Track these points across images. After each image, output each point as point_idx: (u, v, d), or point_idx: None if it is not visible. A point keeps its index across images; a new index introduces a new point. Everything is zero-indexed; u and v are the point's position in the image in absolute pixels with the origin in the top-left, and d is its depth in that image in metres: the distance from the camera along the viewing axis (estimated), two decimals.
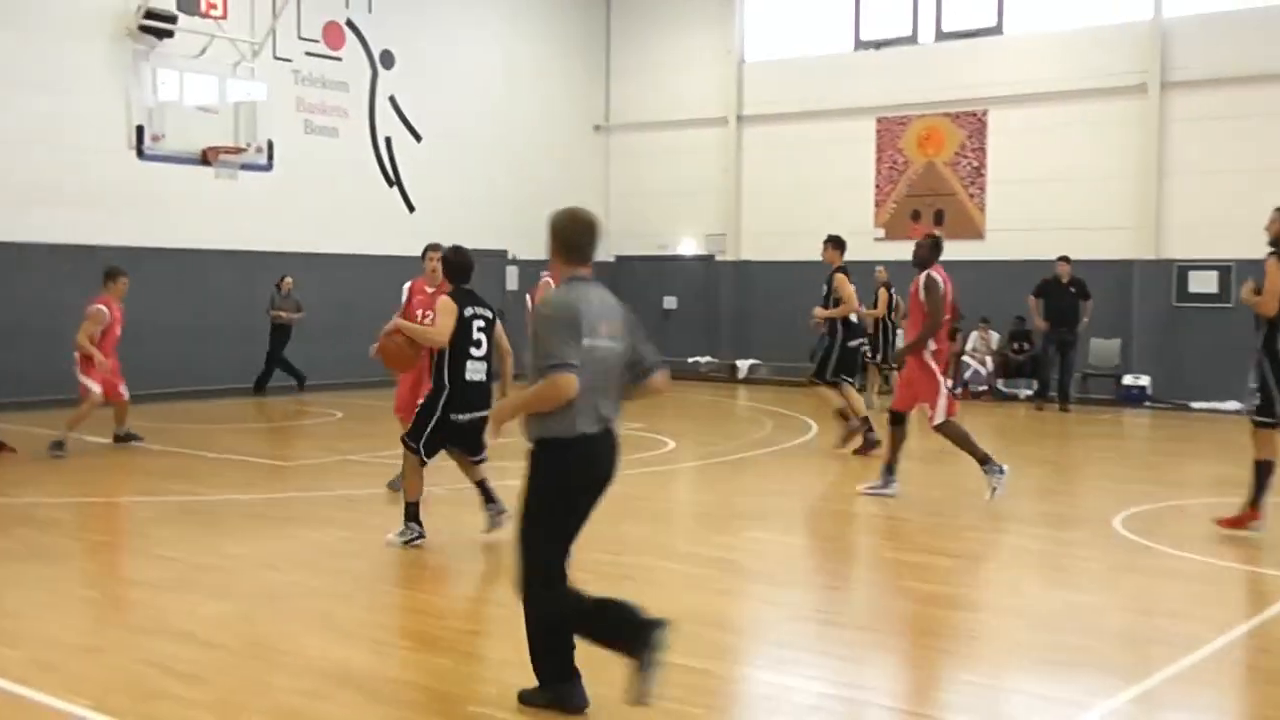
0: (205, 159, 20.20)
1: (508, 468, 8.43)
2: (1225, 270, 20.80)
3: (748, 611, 8.02)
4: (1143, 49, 21.62)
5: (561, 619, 5.68)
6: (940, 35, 23.87)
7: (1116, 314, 21.53)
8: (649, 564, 8.99)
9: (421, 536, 9.24)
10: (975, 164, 23.35)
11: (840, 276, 14.86)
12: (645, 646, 5.44)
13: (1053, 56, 22.52)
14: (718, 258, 26.57)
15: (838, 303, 14.80)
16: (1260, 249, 9.72)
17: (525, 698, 5.75)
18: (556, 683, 5.69)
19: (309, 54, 22.40)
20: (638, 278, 27.46)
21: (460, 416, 9.04)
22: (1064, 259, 20.52)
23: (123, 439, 14.74)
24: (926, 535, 10.20)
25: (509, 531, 10.36)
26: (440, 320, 9.11)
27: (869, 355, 18.58)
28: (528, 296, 16.65)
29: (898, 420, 11.79)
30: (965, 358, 22.37)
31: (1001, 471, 11.24)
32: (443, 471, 10.22)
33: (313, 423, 17.67)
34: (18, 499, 11.19)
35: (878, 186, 24.41)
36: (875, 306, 19.26)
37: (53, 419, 16.20)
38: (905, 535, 10.27)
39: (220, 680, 6.17)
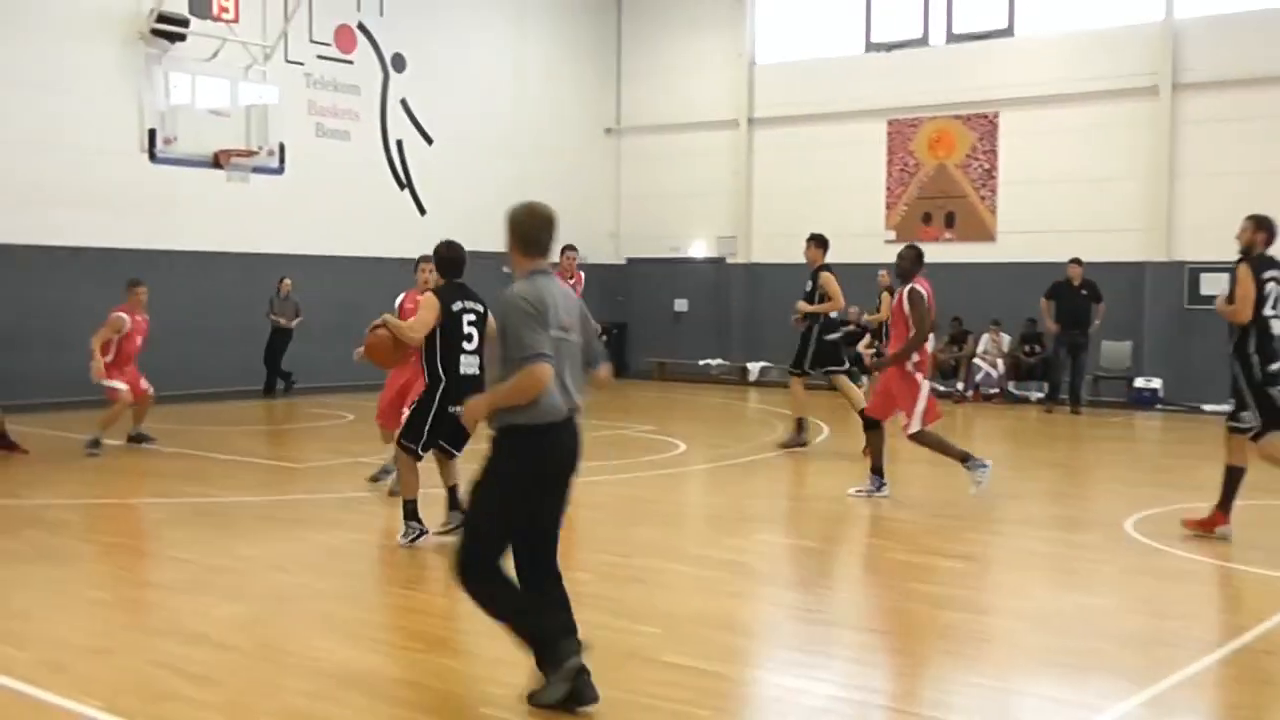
0: (217, 162, 20.24)
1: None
2: (1235, 272, 20.70)
3: (758, 614, 8.01)
4: (1154, 51, 21.58)
5: (490, 603, 5.76)
6: (951, 37, 23.85)
7: (1128, 316, 21.48)
8: (659, 566, 8.99)
9: (424, 533, 9.26)
10: (986, 166, 23.32)
11: (827, 275, 15.05)
12: (558, 661, 5.61)
13: (1064, 58, 22.49)
14: (729, 260, 26.56)
15: (823, 299, 14.94)
16: (1274, 251, 9.72)
17: (534, 698, 5.75)
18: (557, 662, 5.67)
19: (320, 57, 22.46)
20: (649, 280, 27.50)
21: (456, 408, 9.06)
22: (1075, 261, 20.47)
23: (135, 439, 14.78)
24: (937, 538, 10.18)
25: None
26: (420, 315, 9.13)
27: (873, 358, 18.61)
28: None
29: (872, 425, 11.80)
30: (976, 360, 22.34)
31: (984, 466, 11.31)
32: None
33: (323, 425, 17.69)
34: (28, 500, 11.23)
35: (889, 189, 24.39)
36: (879, 310, 19.25)
37: (62, 420, 16.29)
38: (915, 538, 10.25)
39: (230, 682, 6.18)
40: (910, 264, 11.78)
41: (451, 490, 9.53)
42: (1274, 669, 6.84)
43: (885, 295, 19.64)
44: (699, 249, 27.04)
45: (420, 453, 9.31)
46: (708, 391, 23.70)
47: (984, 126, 23.33)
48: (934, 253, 23.17)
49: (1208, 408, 20.11)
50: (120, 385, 14.35)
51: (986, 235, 23.34)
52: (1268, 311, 9.59)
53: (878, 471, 11.73)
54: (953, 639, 7.21)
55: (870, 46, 24.71)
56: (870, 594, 8.72)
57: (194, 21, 20.03)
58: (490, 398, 5.72)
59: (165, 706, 5.80)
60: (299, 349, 21.13)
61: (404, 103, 23.86)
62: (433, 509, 9.65)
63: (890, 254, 22.61)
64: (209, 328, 20.34)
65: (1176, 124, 21.47)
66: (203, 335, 20.16)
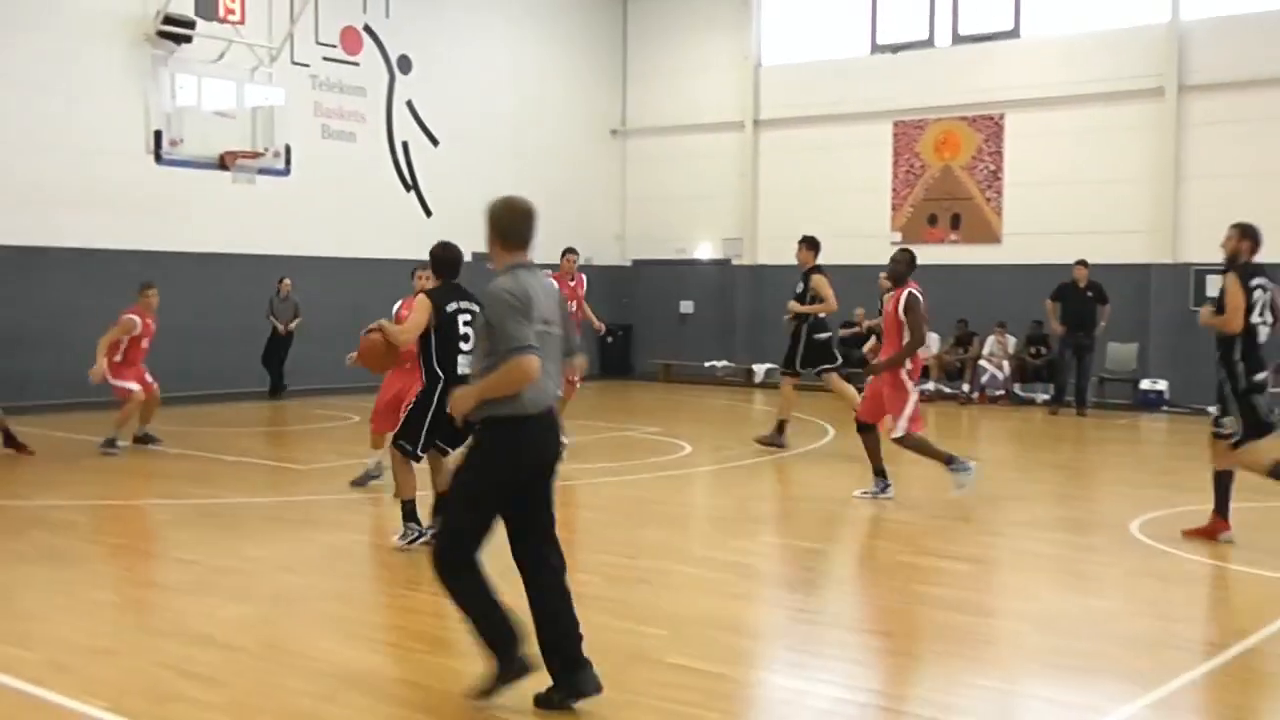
0: (223, 164, 20.24)
1: None
2: None
3: (763, 616, 8.01)
4: (1159, 52, 21.56)
5: (460, 597, 5.84)
6: (957, 39, 23.84)
7: (1134, 318, 21.46)
8: (664, 568, 8.99)
9: (422, 534, 9.23)
10: (992, 167, 23.31)
11: (819, 277, 15.16)
12: (510, 672, 5.74)
13: (1070, 60, 22.47)
14: (734, 262, 26.56)
15: (814, 301, 15.08)
16: (1277, 253, 9.72)
17: (540, 700, 5.76)
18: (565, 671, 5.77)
19: (326, 59, 22.48)
20: (654, 282, 27.51)
21: None
22: (1081, 263, 20.45)
23: (141, 439, 14.81)
24: (942, 540, 10.17)
25: None
26: (411, 317, 9.11)
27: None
28: None
29: (865, 429, 11.81)
30: (982, 362, 22.33)
31: (968, 469, 11.36)
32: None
33: (328, 426, 17.70)
34: (34, 501, 11.24)
35: (894, 190, 24.38)
36: (880, 314, 19.24)
37: (67, 422, 16.31)
38: (920, 540, 10.24)
39: (235, 682, 6.18)
40: (905, 267, 11.81)
41: (441, 497, 9.48)
42: (1279, 672, 6.84)
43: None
44: (704, 251, 27.04)
45: (419, 454, 9.28)
46: (713, 393, 23.71)
47: (990, 128, 23.32)
48: (940, 254, 23.44)
49: (1212, 409, 20.07)
50: (132, 385, 14.43)
51: (992, 237, 23.33)
52: (1254, 319, 9.61)
53: (880, 473, 11.74)
54: (957, 641, 7.21)
55: (876, 48, 24.71)
56: (875, 596, 8.71)
57: (200, 23, 20.04)
58: (478, 389, 5.74)
59: (170, 707, 5.81)
60: (305, 350, 21.13)
61: (410, 104, 23.88)
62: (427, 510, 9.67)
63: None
64: (214, 329, 20.36)
65: (1182, 126, 21.45)
66: (208, 337, 20.17)
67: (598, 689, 5.74)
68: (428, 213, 23.84)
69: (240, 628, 7.15)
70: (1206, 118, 21.25)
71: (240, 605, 7.67)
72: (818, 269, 15.22)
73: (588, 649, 5.79)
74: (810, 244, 15.41)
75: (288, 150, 21.12)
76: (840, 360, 15.52)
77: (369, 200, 22.95)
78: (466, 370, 9.11)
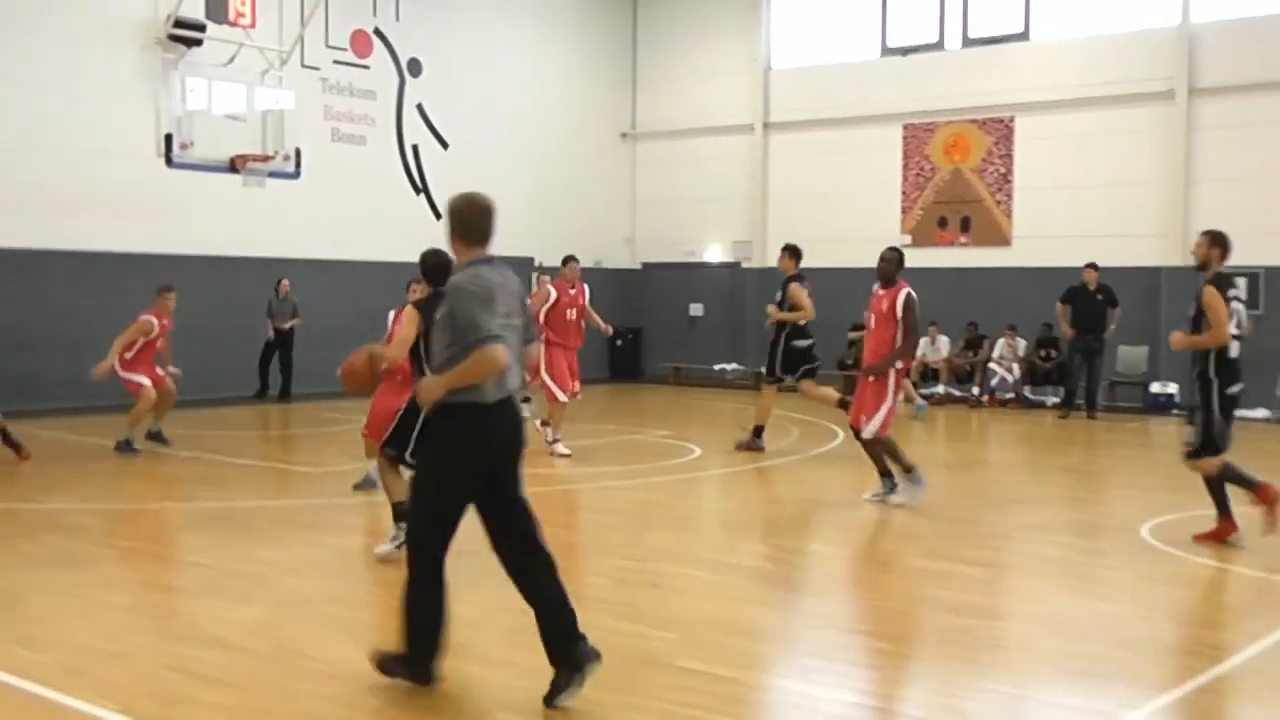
0: (233, 167, 20.28)
1: None
2: (1254, 277, 20.66)
3: (773, 620, 8.00)
4: (1170, 55, 21.54)
5: (410, 598, 6.01)
6: (967, 42, 23.83)
7: (1144, 321, 21.42)
8: (674, 571, 8.99)
9: None
10: (1002, 170, 23.29)
11: (795, 286, 15.16)
12: (416, 676, 6.04)
13: (1080, 63, 22.46)
14: (744, 265, 26.56)
15: (792, 309, 15.14)
16: None
17: (549, 697, 5.82)
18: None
19: (337, 62, 22.53)
20: (664, 285, 27.52)
21: None
22: (1091, 266, 20.43)
23: (153, 437, 14.86)
24: (952, 544, 10.16)
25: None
26: (400, 333, 8.87)
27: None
28: (527, 300, 16.64)
29: (877, 442, 11.78)
30: (992, 364, 22.30)
31: (921, 484, 11.48)
32: None
33: (338, 429, 17.71)
34: (45, 505, 11.26)
35: (904, 193, 24.37)
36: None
37: (78, 425, 16.34)
38: (931, 543, 10.23)
39: (246, 686, 6.20)
40: (895, 266, 11.79)
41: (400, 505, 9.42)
42: None
43: None
44: (714, 254, 27.04)
45: (406, 459, 9.13)
46: (723, 396, 23.70)
47: (1000, 131, 23.30)
48: (950, 257, 23.45)
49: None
50: (142, 379, 14.46)
51: (1002, 240, 23.31)
52: (1232, 331, 9.65)
53: (886, 474, 11.72)
54: (968, 645, 7.20)
55: (886, 51, 24.70)
56: (885, 600, 8.70)
57: (211, 26, 20.11)
58: (447, 378, 5.81)
59: (181, 710, 5.83)
60: (315, 353, 21.07)
61: (420, 108, 23.92)
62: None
63: (906, 259, 22.74)
64: (225, 332, 20.38)
65: (1192, 129, 21.42)
66: (219, 340, 20.18)
67: (597, 657, 5.83)
68: (437, 216, 23.80)
69: (251, 631, 7.17)
70: (1217, 121, 21.23)
71: (251, 608, 7.69)
72: (797, 277, 15.23)
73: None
74: (792, 252, 15.45)
75: (298, 153, 21.16)
76: (817, 365, 15.53)
77: (379, 203, 22.98)
78: None
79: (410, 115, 23.81)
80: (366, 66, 23.05)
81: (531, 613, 5.92)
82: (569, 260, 15.37)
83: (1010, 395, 22.16)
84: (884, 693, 6.44)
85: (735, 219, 26.54)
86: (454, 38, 24.34)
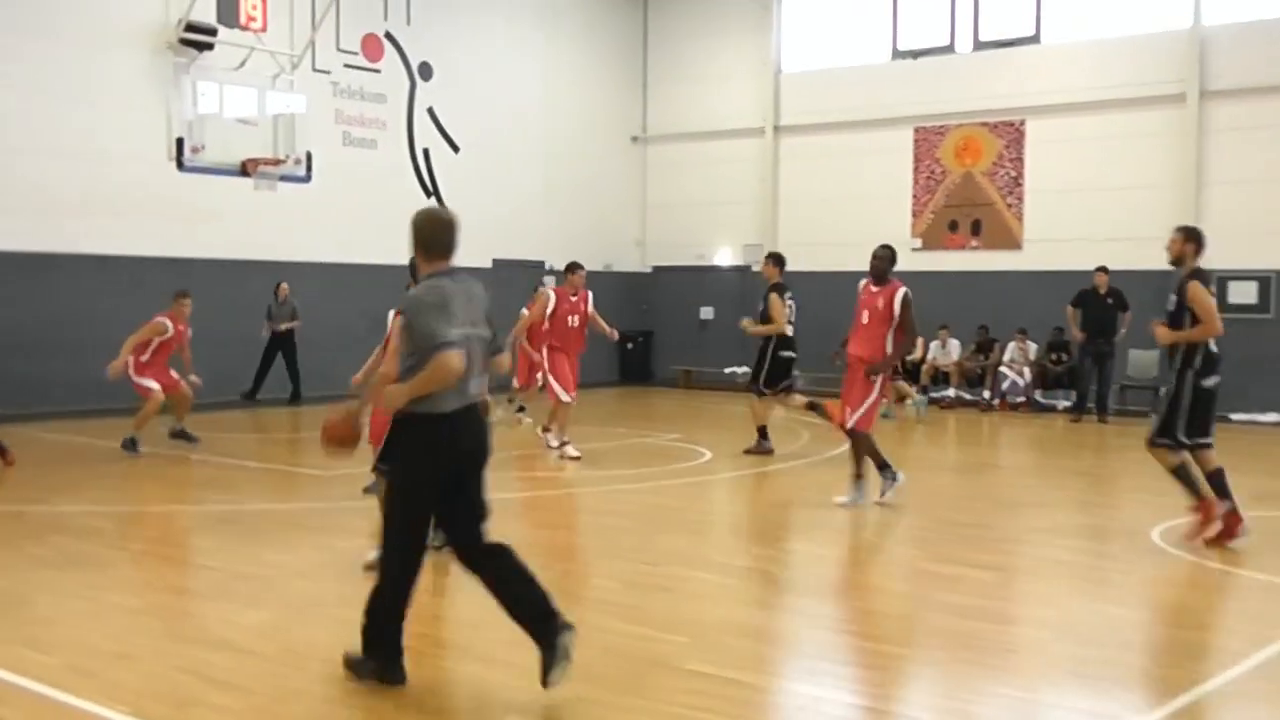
0: (244, 170, 20.31)
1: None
2: (1265, 280, 20.65)
3: (783, 623, 8.00)
4: (1181, 58, 21.49)
5: (377, 607, 6.14)
6: (978, 45, 23.81)
7: None
8: (683, 574, 8.98)
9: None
10: (1013, 174, 23.26)
11: (773, 296, 15.15)
12: (382, 671, 6.13)
13: (1091, 66, 22.42)
14: (754, 268, 26.48)
15: (765, 320, 15.17)
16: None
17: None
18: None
19: (348, 66, 22.57)
20: (674, 288, 27.52)
21: None
22: (1102, 269, 20.40)
23: (177, 435, 14.93)
24: (963, 547, 10.14)
25: (539, 547, 10.38)
26: (394, 341, 8.80)
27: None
28: (524, 310, 16.73)
29: (856, 435, 11.75)
30: (1003, 368, 22.26)
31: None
32: None
33: None
34: (55, 507, 11.28)
35: (915, 196, 24.35)
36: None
37: (87, 427, 16.37)
38: (940, 547, 10.21)
39: (255, 688, 6.20)
40: (888, 264, 11.76)
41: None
42: None
43: None
44: (725, 257, 27.04)
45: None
46: (733, 400, 23.65)
47: (1011, 134, 23.27)
48: (960, 261, 23.43)
49: (1235, 417, 19.99)
50: (152, 383, 14.50)
51: (1013, 243, 23.28)
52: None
53: (884, 467, 11.70)
54: (978, 649, 7.18)
55: (896, 54, 24.69)
56: (895, 603, 8.69)
57: (222, 31, 20.16)
58: (409, 387, 5.93)
59: (190, 712, 5.83)
60: (326, 356, 21.08)
61: (431, 111, 23.94)
62: None
63: (917, 262, 22.85)
64: (236, 336, 20.38)
65: (1204, 131, 21.38)
66: (230, 343, 20.18)
67: (568, 627, 5.93)
68: None
69: (260, 633, 7.18)
70: (1228, 123, 21.18)
71: (260, 611, 7.69)
72: (777, 287, 15.19)
73: (606, 655, 5.82)
74: (776, 260, 15.50)
75: (309, 157, 21.19)
76: (794, 380, 15.56)
77: (390, 207, 22.89)
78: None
79: (421, 119, 23.83)
80: (377, 70, 23.08)
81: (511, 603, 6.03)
82: (574, 268, 15.33)
83: (1021, 399, 22.12)
84: (893, 696, 6.42)
85: (746, 222, 26.53)
86: (465, 41, 24.36)
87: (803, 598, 8.67)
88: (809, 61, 25.86)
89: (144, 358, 14.53)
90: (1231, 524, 9.73)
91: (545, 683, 5.86)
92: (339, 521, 10.89)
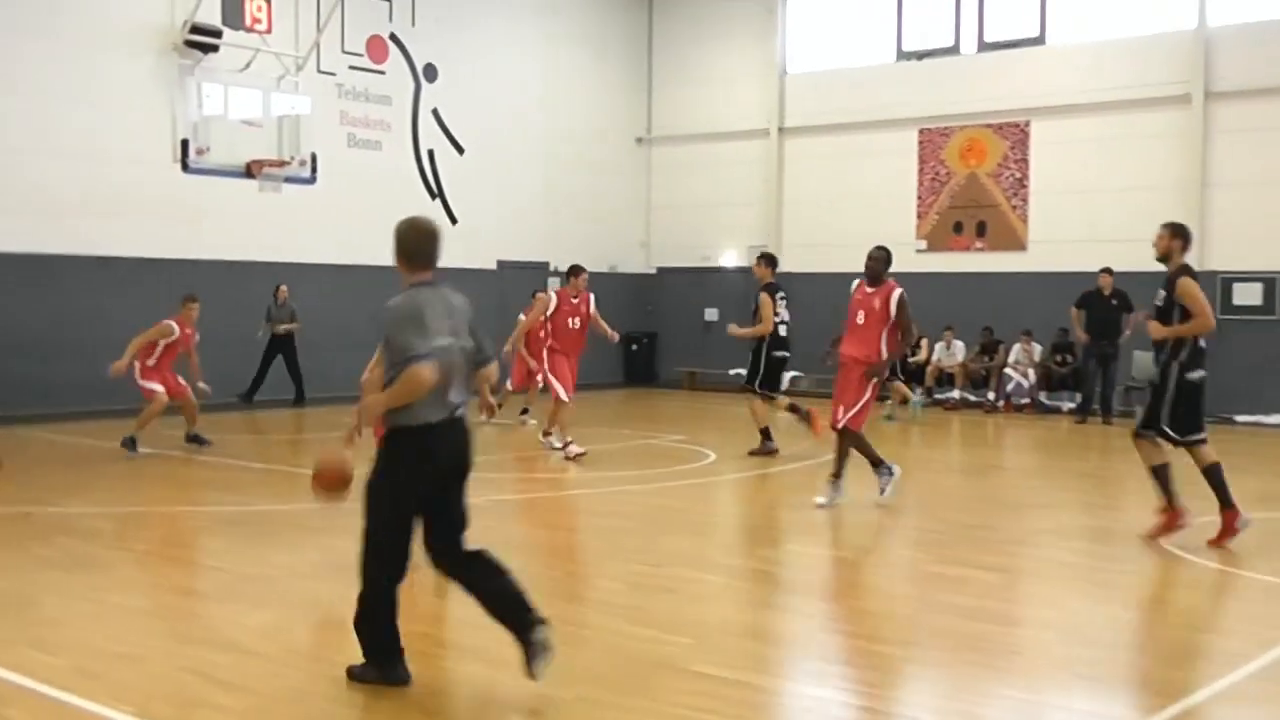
0: (249, 172, 20.36)
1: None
2: (1270, 282, 20.62)
3: (787, 624, 7.99)
4: (1186, 59, 21.48)
5: (371, 600, 6.13)
6: (983, 46, 23.80)
7: None
8: (688, 576, 8.98)
9: None
10: (1018, 175, 23.25)
11: (764, 296, 15.19)
12: (385, 673, 6.13)
13: (1096, 67, 22.41)
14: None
15: (756, 321, 15.23)
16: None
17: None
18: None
19: (352, 68, 22.58)
20: (679, 289, 27.52)
21: None
22: (1106, 271, 20.37)
23: (192, 439, 14.99)
24: (967, 549, 10.14)
25: (543, 549, 10.39)
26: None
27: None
28: (521, 315, 16.71)
29: (845, 433, 11.73)
30: (1007, 370, 22.24)
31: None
32: (481, 483, 10.23)
33: None
34: (61, 508, 11.29)
35: (920, 198, 24.35)
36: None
37: (94, 429, 16.37)
38: (945, 548, 10.21)
39: (261, 689, 6.21)
40: (884, 265, 11.79)
41: None
42: None
43: None
44: (729, 258, 27.03)
45: None
46: (738, 401, 23.60)
47: (1015, 135, 23.26)
48: (965, 262, 23.41)
49: (1240, 419, 19.99)
50: (156, 386, 14.53)
51: (1018, 244, 23.26)
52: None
53: (878, 463, 11.71)
54: (983, 650, 7.18)
55: (901, 55, 24.69)
56: (900, 604, 8.68)
57: (227, 32, 20.18)
58: (385, 398, 5.95)
59: (196, 713, 5.84)
60: (331, 357, 21.12)
61: (435, 113, 23.96)
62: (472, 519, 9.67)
63: (921, 263, 22.85)
64: (240, 337, 20.39)
65: (1208, 133, 21.36)
66: (234, 344, 20.19)
67: (541, 621, 5.96)
68: (453, 220, 23.86)
69: (265, 634, 7.18)
70: (1233, 125, 21.16)
71: (265, 612, 7.70)
72: (768, 287, 15.23)
73: (610, 656, 5.82)
74: (768, 260, 15.52)
75: (314, 159, 21.23)
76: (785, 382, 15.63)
77: (395, 208, 22.50)
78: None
79: (426, 120, 23.84)
80: (382, 72, 23.09)
81: (545, 615, 5.97)
82: (576, 270, 15.35)
83: (1026, 400, 22.10)
84: (897, 697, 6.42)
85: (750, 224, 26.52)
86: (469, 43, 24.37)
87: (807, 599, 8.67)
88: (814, 63, 25.85)
89: (150, 360, 14.57)
90: (1232, 519, 9.72)
91: (531, 676, 5.92)
92: (344, 523, 10.79)
